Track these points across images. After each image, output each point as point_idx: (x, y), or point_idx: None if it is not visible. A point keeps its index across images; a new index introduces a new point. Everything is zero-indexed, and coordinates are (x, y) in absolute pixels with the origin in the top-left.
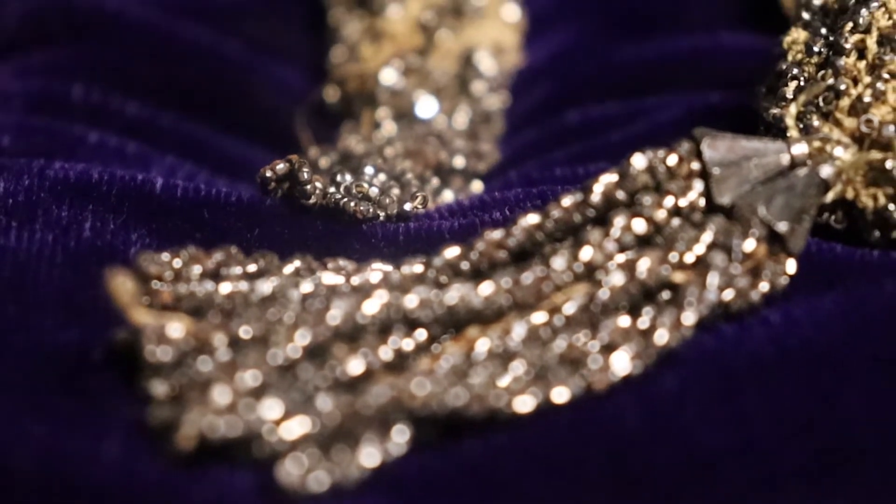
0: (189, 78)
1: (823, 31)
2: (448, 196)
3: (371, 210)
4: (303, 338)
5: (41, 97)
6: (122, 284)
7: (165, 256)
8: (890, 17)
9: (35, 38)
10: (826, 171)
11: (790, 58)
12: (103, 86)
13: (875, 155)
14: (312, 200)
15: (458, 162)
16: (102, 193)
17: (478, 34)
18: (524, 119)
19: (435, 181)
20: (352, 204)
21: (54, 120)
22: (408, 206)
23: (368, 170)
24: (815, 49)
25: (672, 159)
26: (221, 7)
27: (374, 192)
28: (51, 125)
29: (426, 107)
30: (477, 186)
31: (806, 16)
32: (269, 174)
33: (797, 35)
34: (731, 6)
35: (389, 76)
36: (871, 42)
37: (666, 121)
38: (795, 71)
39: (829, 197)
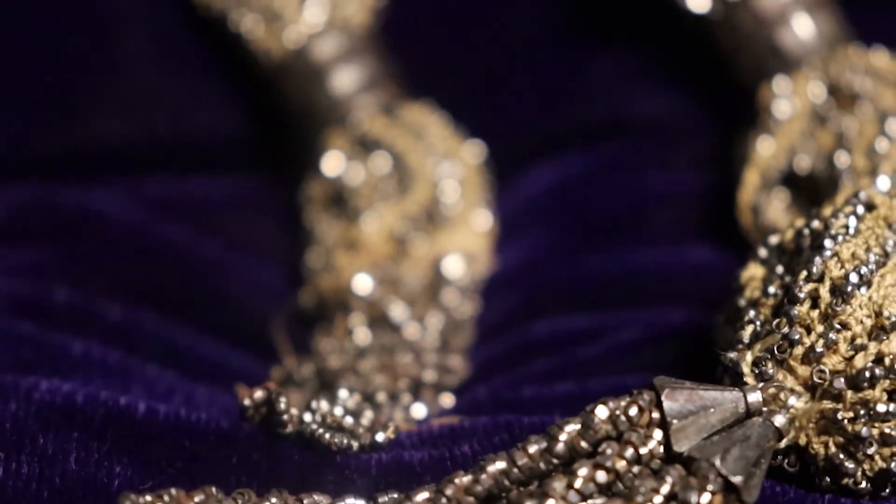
0: (168, 278)
1: (779, 269)
2: (419, 410)
3: (345, 441)
4: None
5: (25, 300)
6: None
7: (148, 498)
8: (842, 267)
9: (18, 236)
10: (780, 420)
11: (747, 294)
12: (86, 286)
13: (826, 405)
14: (289, 430)
15: (429, 376)
16: (87, 419)
17: (449, 242)
18: (493, 327)
19: (406, 398)
20: (326, 436)
21: (38, 326)
22: (380, 437)
23: (342, 393)
24: (771, 291)
25: (633, 410)
26: (200, 203)
27: (348, 421)
28: (36, 335)
29: (398, 314)
30: (447, 400)
31: (763, 252)
32: (247, 402)
33: (754, 271)
34: (695, 217)
35: (363, 285)
36: (824, 291)
37: (629, 341)
38: (752, 313)
39: (783, 443)
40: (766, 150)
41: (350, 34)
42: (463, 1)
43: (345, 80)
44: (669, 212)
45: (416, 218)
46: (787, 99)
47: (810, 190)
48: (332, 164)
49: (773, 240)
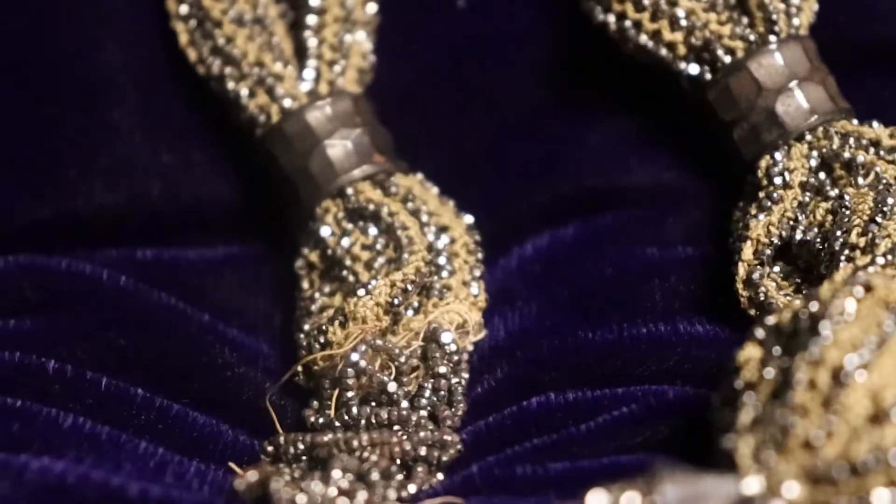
0: (160, 348)
1: (777, 350)
2: (412, 489)
3: None
4: None
5: (16, 371)
6: None
7: None
8: (840, 352)
9: (8, 306)
10: None
11: (745, 375)
12: (76, 356)
13: (824, 493)
14: None
15: (422, 452)
16: (79, 501)
17: (442, 314)
18: (486, 401)
19: (399, 476)
20: None
21: (29, 398)
22: None
23: (335, 473)
24: (769, 374)
25: (632, 497)
26: (192, 272)
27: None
28: (26, 408)
29: (391, 388)
30: (440, 478)
31: (760, 333)
32: (242, 487)
33: (752, 352)
34: (690, 290)
35: (355, 358)
36: (823, 377)
37: (623, 418)
38: (750, 397)
39: None
40: (762, 222)
41: (344, 103)
42: (457, 71)
43: (339, 149)
44: (665, 284)
45: (409, 289)
46: (784, 170)
47: (807, 263)
48: (326, 234)
49: (771, 321)
